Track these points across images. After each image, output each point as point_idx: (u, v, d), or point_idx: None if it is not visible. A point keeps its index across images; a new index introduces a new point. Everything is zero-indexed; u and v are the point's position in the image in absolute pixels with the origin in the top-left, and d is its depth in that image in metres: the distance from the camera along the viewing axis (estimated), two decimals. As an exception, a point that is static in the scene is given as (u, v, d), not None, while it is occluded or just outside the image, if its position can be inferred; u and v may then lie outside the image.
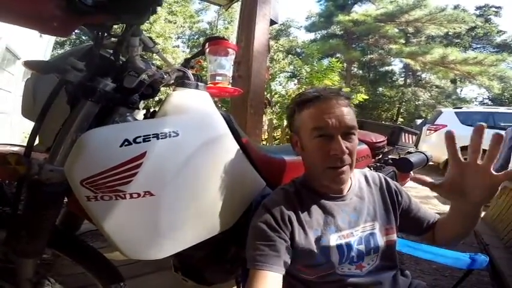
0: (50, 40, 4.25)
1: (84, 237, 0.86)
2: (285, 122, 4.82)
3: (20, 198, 0.64)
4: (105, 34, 0.66)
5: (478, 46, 15.04)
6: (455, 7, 11.68)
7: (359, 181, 0.74)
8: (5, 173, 0.67)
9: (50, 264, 0.82)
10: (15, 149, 0.79)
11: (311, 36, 15.95)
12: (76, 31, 0.65)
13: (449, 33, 11.19)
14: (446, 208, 3.07)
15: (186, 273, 0.93)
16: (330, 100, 0.66)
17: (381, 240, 0.69)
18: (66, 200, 0.73)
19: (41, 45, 3.97)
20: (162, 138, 0.59)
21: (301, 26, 18.54)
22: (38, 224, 0.64)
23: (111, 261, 0.80)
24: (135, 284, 1.11)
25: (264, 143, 4.62)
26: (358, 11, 11.61)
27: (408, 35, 11.84)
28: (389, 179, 0.78)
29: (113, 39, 0.71)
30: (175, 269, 0.94)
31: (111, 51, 0.70)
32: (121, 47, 0.65)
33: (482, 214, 2.68)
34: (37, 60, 0.60)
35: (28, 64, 0.59)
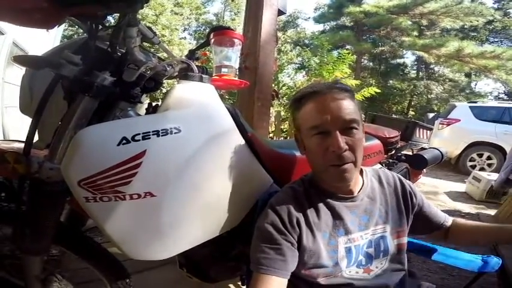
0: (57, 34, 4.26)
1: (89, 233, 0.86)
2: (293, 115, 4.75)
3: (22, 196, 0.63)
4: (100, 25, 0.62)
5: (496, 40, 14.42)
6: (473, 0, 11.17)
7: (371, 181, 0.70)
8: (5, 172, 0.65)
9: (58, 260, 0.82)
10: (22, 146, 0.78)
11: (319, 27, 15.56)
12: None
13: (466, 26, 10.74)
14: (455, 204, 3.05)
15: (191, 270, 0.93)
16: (324, 95, 0.62)
17: (391, 244, 0.67)
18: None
19: (48, 39, 3.98)
20: (162, 135, 0.56)
21: (309, 17, 18.23)
22: (42, 222, 0.64)
23: (116, 257, 0.79)
24: (139, 279, 1.11)
25: (271, 135, 4.58)
26: (370, 2, 11.22)
27: (422, 27, 11.43)
28: (404, 180, 0.74)
29: (109, 30, 0.67)
30: (181, 265, 0.94)
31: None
32: (117, 38, 0.61)
33: (494, 212, 2.60)
34: (28, 55, 0.56)
35: (18, 60, 0.54)
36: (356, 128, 0.61)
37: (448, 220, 0.75)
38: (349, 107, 0.61)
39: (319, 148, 0.61)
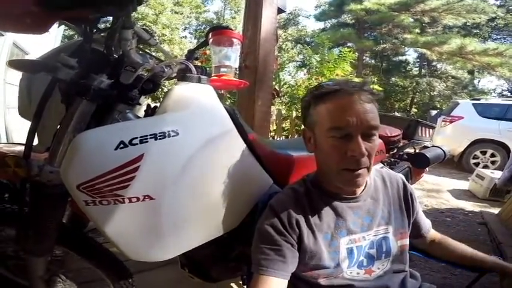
0: (57, 34, 4.25)
1: (92, 233, 0.86)
2: (294, 113, 4.75)
3: (24, 198, 0.64)
4: (94, 28, 0.62)
5: (498, 37, 14.29)
6: (475, -3, 11.07)
7: (375, 181, 0.70)
8: (6, 175, 0.66)
9: (61, 260, 0.82)
10: (23, 149, 0.78)
11: (320, 25, 15.54)
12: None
13: (468, 23, 10.63)
14: (458, 203, 3.03)
15: (192, 270, 0.93)
16: (352, 95, 0.58)
17: (394, 245, 0.66)
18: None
19: (49, 40, 3.97)
20: (160, 139, 0.56)
21: (310, 15, 18.16)
22: (44, 224, 0.64)
23: (118, 257, 0.80)
24: (141, 279, 1.12)
25: (272, 134, 4.57)
26: (371, 0, 11.14)
27: (424, 24, 11.37)
28: (407, 183, 0.73)
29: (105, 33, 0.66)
30: (182, 265, 0.94)
31: None
32: (112, 41, 0.61)
33: (497, 211, 2.58)
34: (23, 60, 0.56)
35: (13, 64, 0.53)
36: (375, 135, 0.59)
37: (430, 230, 0.78)
38: (374, 111, 0.59)
39: (336, 150, 0.58)
